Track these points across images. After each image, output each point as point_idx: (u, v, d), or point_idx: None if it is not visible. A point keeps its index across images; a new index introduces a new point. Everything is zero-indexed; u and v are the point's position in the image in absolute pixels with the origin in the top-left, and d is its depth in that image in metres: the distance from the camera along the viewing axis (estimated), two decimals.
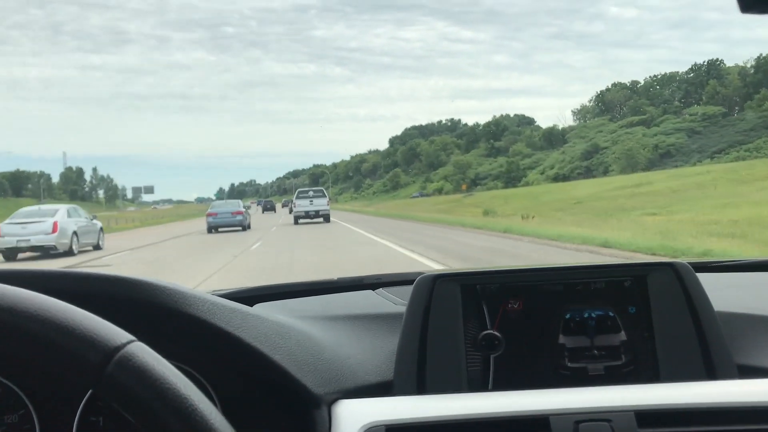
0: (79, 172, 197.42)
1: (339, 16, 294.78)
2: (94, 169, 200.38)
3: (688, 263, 1.21)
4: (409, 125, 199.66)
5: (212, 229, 30.33)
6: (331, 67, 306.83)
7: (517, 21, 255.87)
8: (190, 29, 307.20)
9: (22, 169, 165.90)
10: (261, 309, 1.28)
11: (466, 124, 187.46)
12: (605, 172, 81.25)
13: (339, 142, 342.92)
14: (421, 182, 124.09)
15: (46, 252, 18.58)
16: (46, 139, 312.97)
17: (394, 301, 1.43)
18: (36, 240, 18.33)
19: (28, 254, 19.18)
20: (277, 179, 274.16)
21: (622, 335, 1.17)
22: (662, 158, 79.55)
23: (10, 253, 18.62)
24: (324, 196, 35.40)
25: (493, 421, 0.95)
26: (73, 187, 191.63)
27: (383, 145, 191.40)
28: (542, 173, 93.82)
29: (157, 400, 0.59)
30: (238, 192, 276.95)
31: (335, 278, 1.67)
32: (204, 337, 0.94)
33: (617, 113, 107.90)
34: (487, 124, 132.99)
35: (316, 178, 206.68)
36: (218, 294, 1.35)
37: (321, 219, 34.22)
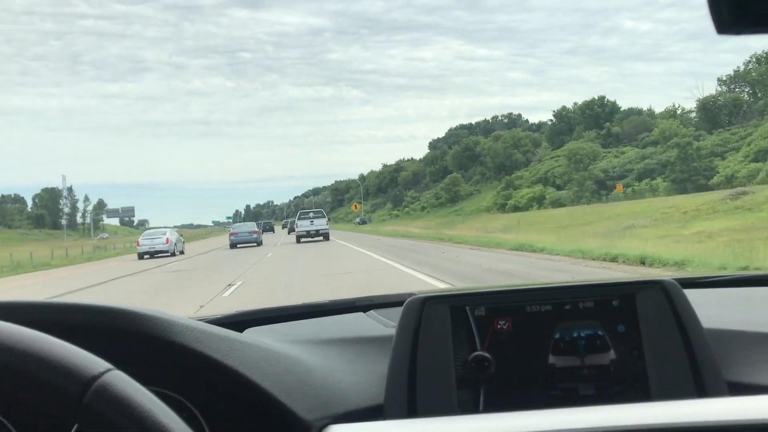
0: (53, 193, 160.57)
1: (354, 38, 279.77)
2: (69, 189, 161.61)
3: (676, 280, 1.22)
4: (438, 136, 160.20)
5: (233, 245, 39.63)
6: (348, 90, 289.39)
7: (532, 37, 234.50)
8: (207, 56, 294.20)
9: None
10: (251, 334, 1.29)
11: (526, 120, 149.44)
12: None
13: (358, 164, 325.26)
14: (499, 189, 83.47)
15: (152, 255, 34.48)
16: (67, 168, 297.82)
17: (385, 324, 1.42)
18: (158, 247, 34.68)
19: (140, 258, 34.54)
20: (295, 198, 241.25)
21: (612, 354, 1.16)
22: None
23: (141, 255, 34.41)
24: (324, 216, 41.19)
25: None
26: (40, 211, 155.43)
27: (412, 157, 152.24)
28: (755, 163, 52.38)
29: (137, 430, 0.58)
30: (254, 213, 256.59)
31: (327, 301, 1.68)
32: (191, 364, 0.94)
33: None
34: (589, 104, 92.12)
35: (340, 193, 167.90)
36: (209, 320, 1.34)
37: (321, 237, 39.58)
